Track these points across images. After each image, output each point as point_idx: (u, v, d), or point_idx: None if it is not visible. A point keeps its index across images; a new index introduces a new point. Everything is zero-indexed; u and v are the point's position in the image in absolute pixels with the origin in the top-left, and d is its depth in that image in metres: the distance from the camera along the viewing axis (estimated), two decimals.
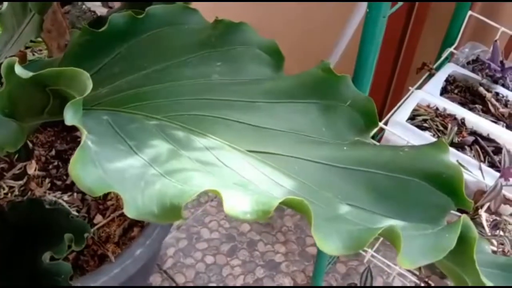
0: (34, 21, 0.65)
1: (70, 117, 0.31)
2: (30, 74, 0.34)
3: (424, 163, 0.39)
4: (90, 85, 0.33)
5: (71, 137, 0.87)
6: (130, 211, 0.30)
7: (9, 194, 0.71)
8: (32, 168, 0.74)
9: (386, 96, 1.17)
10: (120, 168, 0.34)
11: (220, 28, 0.53)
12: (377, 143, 0.53)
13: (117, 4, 1.66)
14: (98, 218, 0.77)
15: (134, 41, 0.52)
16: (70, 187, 0.79)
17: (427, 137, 0.67)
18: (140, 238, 0.71)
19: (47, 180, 0.76)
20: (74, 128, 0.89)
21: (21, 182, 0.73)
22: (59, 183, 0.79)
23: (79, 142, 0.93)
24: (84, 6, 1.60)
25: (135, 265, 0.67)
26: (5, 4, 0.73)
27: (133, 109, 0.48)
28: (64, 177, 0.81)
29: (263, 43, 0.53)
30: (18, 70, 0.34)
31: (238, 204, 0.29)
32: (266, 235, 1.09)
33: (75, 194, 0.78)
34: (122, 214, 0.78)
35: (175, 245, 1.04)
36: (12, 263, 0.55)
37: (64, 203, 0.75)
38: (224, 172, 0.37)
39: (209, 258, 1.03)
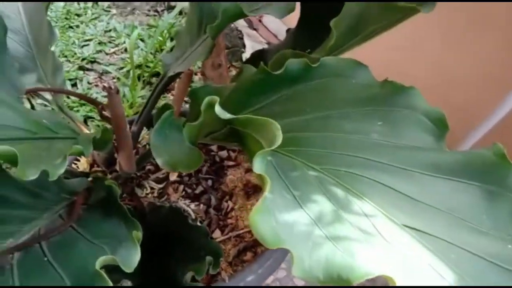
0: (206, 44, 0.71)
1: (258, 166, 0.33)
2: (228, 116, 0.36)
3: None
4: (280, 136, 0.35)
5: (206, 150, 0.93)
6: (297, 271, 0.31)
7: (149, 195, 0.78)
8: (175, 175, 0.80)
9: None
10: (289, 222, 0.35)
11: (388, 88, 0.53)
12: None
13: (257, 24, 1.74)
14: (217, 233, 0.80)
15: (301, 86, 0.54)
16: (198, 197, 0.84)
17: None
18: (253, 265, 0.72)
19: (182, 187, 0.82)
20: (210, 143, 0.95)
21: (160, 186, 0.80)
22: (189, 191, 0.84)
23: (213, 155, 0.97)
24: (231, 25, 1.71)
25: None
26: (183, 23, 0.80)
27: (291, 153, 0.49)
28: (194, 186, 0.86)
29: (429, 111, 0.52)
30: (218, 110, 0.36)
31: None
32: None
33: (201, 205, 0.83)
34: (239, 235, 0.81)
35: (274, 273, 1.05)
36: (144, 265, 0.59)
37: (191, 211, 0.80)
38: (386, 248, 0.36)
39: None
